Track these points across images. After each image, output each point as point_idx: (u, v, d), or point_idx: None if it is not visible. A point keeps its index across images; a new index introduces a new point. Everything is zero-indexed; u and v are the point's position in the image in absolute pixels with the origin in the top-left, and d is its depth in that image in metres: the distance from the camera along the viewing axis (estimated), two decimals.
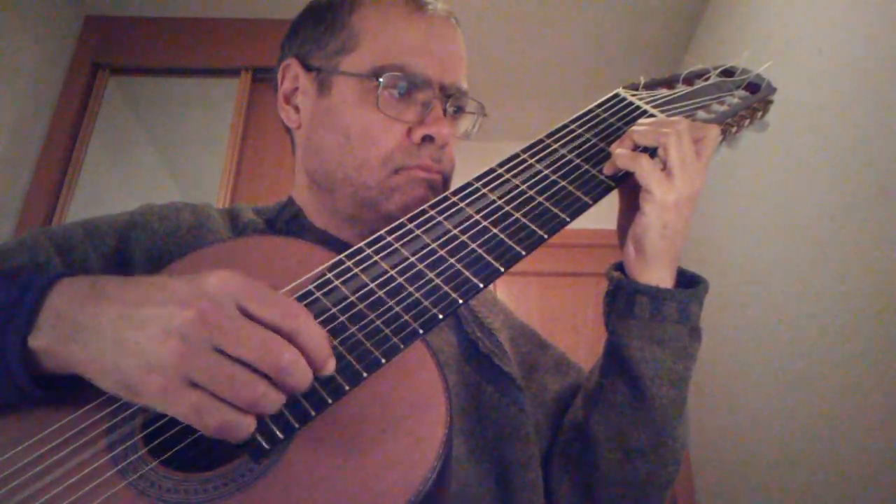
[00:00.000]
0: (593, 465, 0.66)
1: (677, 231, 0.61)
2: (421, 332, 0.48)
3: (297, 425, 0.43)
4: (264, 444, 0.42)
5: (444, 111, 0.68)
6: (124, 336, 0.41)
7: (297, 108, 0.73)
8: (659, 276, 0.62)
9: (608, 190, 0.60)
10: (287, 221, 0.73)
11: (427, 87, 0.67)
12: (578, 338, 2.61)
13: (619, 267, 0.66)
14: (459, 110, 0.73)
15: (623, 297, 0.63)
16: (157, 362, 0.40)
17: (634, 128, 0.62)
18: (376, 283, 0.51)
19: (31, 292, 0.45)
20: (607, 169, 0.61)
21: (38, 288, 0.45)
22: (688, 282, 0.65)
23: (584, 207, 0.58)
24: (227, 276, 0.43)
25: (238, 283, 0.43)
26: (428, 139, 0.67)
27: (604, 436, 0.65)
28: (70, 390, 0.45)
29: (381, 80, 0.65)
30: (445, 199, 0.58)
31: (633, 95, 0.68)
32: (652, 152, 0.60)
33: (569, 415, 0.72)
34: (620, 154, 0.60)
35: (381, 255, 0.53)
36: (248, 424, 0.40)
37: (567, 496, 0.69)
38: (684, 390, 0.64)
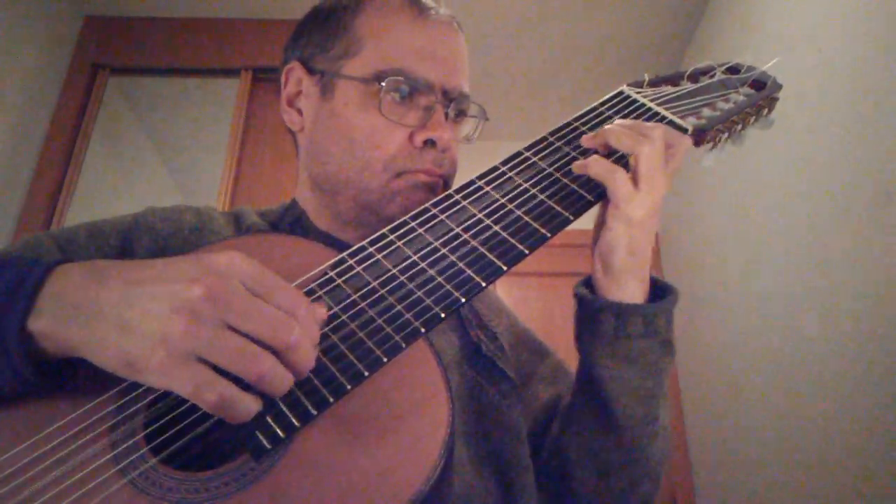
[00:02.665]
0: (567, 483, 0.66)
1: (643, 246, 0.59)
2: (423, 330, 0.48)
3: (298, 424, 0.42)
4: (266, 442, 0.42)
5: (446, 115, 0.68)
6: (128, 314, 0.41)
7: (300, 111, 0.73)
8: (628, 292, 0.60)
9: None
10: (290, 224, 0.73)
11: (429, 91, 0.67)
12: None
13: (587, 282, 0.64)
14: (461, 114, 0.73)
15: (589, 314, 0.62)
16: (162, 337, 0.40)
17: (610, 127, 0.60)
18: (378, 281, 0.51)
19: (31, 276, 0.45)
20: (576, 168, 0.59)
21: (38, 272, 0.45)
22: (662, 293, 0.63)
23: (588, 206, 0.58)
24: (234, 255, 0.43)
25: (245, 262, 0.43)
26: (430, 143, 0.67)
27: (576, 454, 0.64)
28: (72, 386, 0.45)
29: (383, 84, 0.65)
30: (448, 197, 0.58)
31: (638, 93, 0.67)
32: (620, 156, 0.59)
33: (552, 428, 0.71)
34: (596, 162, 0.58)
35: (384, 253, 0.53)
36: (247, 403, 0.40)
37: None
38: (655, 407, 0.62)
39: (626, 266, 0.59)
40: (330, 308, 0.49)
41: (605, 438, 0.62)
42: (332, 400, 0.44)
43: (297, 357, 0.42)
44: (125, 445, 0.43)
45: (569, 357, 0.81)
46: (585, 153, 0.61)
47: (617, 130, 0.59)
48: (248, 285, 0.42)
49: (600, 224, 0.60)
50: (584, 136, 0.61)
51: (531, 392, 0.74)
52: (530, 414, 0.72)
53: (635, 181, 0.57)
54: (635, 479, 0.63)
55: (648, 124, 0.60)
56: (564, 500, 0.66)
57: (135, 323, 0.41)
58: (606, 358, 0.60)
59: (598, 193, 0.58)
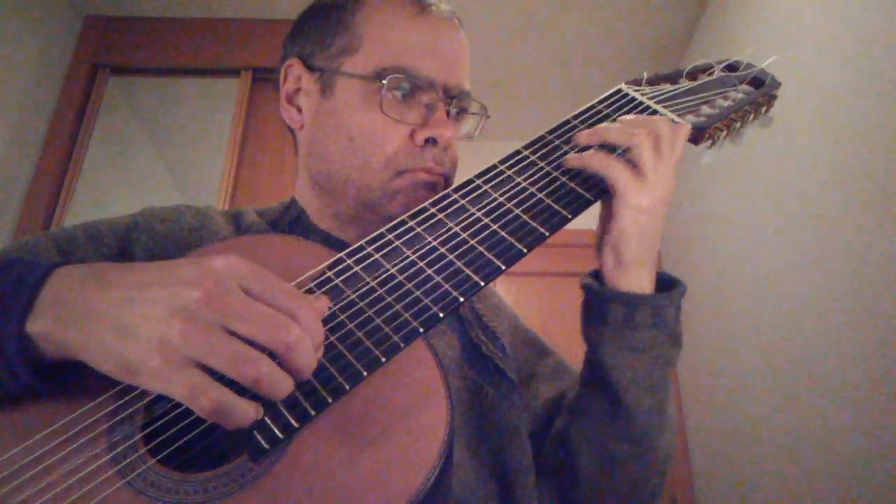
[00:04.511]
0: (574, 476, 0.65)
1: (653, 235, 0.59)
2: (421, 330, 0.47)
3: (296, 425, 0.42)
4: (264, 443, 0.42)
5: (447, 113, 0.68)
6: (125, 318, 0.41)
7: (299, 109, 0.73)
8: (638, 282, 0.60)
9: None
10: (290, 223, 0.73)
11: (430, 89, 0.67)
12: (578, 338, 2.59)
13: (594, 274, 0.64)
14: (462, 111, 0.72)
15: (597, 305, 0.62)
16: (159, 342, 0.40)
17: (605, 125, 0.60)
18: (376, 281, 0.51)
19: (30, 278, 0.44)
20: (573, 162, 0.59)
21: (37, 274, 0.45)
22: (668, 286, 0.63)
23: (586, 204, 0.57)
24: (232, 258, 0.43)
25: (243, 265, 0.43)
26: (431, 141, 0.66)
27: (583, 446, 0.64)
28: (70, 387, 0.45)
29: (384, 81, 0.65)
30: (447, 196, 0.58)
31: (636, 91, 0.67)
32: (621, 151, 0.59)
33: (555, 423, 0.71)
34: (593, 156, 0.58)
35: (382, 253, 0.53)
36: (243, 409, 0.40)
37: None
38: (663, 399, 0.62)
39: (638, 255, 0.59)
40: (328, 308, 0.49)
41: (613, 430, 0.62)
42: (330, 400, 0.43)
43: (298, 358, 0.42)
44: (124, 446, 0.43)
45: (569, 355, 0.81)
46: (583, 151, 0.61)
47: (614, 126, 0.59)
48: (247, 288, 0.42)
49: (608, 217, 0.60)
50: (581, 133, 0.61)
51: (532, 391, 0.74)
52: (532, 413, 0.72)
53: (640, 170, 0.57)
54: (643, 472, 0.63)
55: (647, 117, 0.61)
56: (569, 495, 0.66)
57: (132, 327, 0.40)
58: (614, 348, 0.60)
59: (596, 192, 0.58)
